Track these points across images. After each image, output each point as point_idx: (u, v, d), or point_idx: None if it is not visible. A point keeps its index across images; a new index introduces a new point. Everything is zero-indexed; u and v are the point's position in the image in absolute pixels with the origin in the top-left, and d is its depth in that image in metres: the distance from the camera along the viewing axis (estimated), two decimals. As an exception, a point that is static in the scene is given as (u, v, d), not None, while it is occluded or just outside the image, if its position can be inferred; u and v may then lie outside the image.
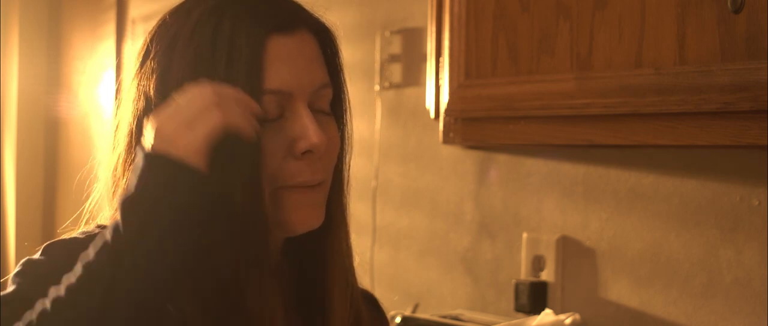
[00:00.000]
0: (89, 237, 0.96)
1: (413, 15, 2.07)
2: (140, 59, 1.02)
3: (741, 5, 1.24)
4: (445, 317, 1.85)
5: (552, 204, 1.79)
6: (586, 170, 1.73)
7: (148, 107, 0.98)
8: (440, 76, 1.75)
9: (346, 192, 1.08)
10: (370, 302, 1.19)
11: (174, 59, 0.98)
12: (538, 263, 1.80)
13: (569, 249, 1.76)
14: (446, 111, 1.71)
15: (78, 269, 0.87)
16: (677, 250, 1.59)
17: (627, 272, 1.67)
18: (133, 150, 1.00)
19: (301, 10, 1.03)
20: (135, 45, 1.04)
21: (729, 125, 1.28)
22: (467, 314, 1.88)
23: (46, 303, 0.87)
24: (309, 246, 1.06)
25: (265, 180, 0.96)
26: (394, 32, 2.11)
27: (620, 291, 1.68)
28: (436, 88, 1.79)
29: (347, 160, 1.08)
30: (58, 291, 0.87)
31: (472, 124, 1.68)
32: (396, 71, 2.12)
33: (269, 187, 0.97)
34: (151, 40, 1.02)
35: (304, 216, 1.00)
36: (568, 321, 1.66)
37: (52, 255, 0.98)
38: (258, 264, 1.04)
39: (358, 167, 2.12)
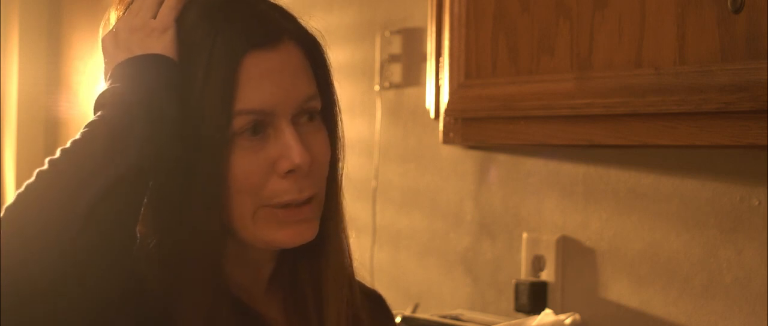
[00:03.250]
0: None
1: (413, 15, 2.07)
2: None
3: (741, 5, 1.24)
4: (445, 317, 1.85)
5: (552, 204, 1.79)
6: (586, 170, 1.73)
7: None
8: (440, 76, 1.75)
9: (340, 201, 1.05)
10: (376, 301, 1.18)
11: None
12: (538, 263, 1.80)
13: (569, 249, 1.76)
14: (446, 111, 1.71)
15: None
16: (677, 250, 1.59)
17: (627, 272, 1.67)
18: None
19: (286, 20, 0.99)
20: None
21: (729, 125, 1.28)
22: (467, 314, 1.88)
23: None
24: (305, 257, 1.05)
25: (246, 198, 0.95)
26: (394, 32, 2.11)
27: (620, 291, 1.68)
28: (436, 88, 1.79)
29: (340, 168, 1.05)
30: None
31: (472, 124, 1.68)
32: (396, 71, 2.12)
33: (253, 206, 0.95)
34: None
35: (292, 233, 0.97)
36: (568, 321, 1.66)
37: None
38: (257, 270, 1.04)
39: (358, 167, 2.12)
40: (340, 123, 1.05)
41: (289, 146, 0.95)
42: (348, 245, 1.08)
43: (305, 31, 1.01)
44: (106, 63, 0.96)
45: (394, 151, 2.14)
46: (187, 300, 0.94)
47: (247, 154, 0.94)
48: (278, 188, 0.95)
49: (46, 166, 0.86)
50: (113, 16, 1.01)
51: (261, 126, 0.95)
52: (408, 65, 2.09)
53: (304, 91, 0.97)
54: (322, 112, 1.01)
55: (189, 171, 0.93)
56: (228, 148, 0.93)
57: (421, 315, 1.90)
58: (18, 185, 3.70)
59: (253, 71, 0.94)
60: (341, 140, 1.05)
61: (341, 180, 1.06)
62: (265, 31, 0.96)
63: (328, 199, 1.02)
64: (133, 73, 0.92)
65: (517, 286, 1.80)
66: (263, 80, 0.94)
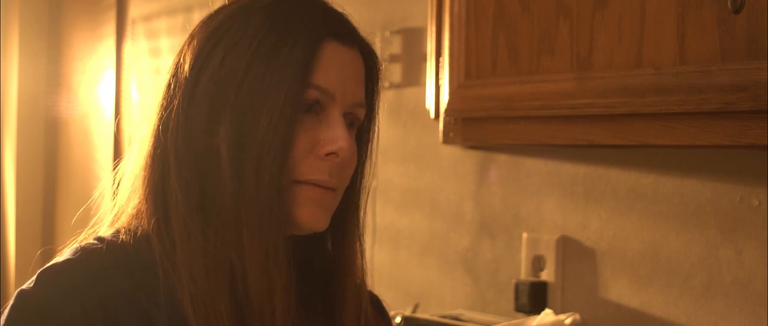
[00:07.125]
0: (83, 256, 0.97)
1: (413, 15, 2.07)
2: (191, 59, 1.02)
3: (741, 5, 1.24)
4: (445, 317, 1.85)
5: (552, 204, 1.79)
6: (586, 170, 1.73)
7: (189, 102, 1.00)
8: (440, 76, 1.75)
9: (359, 214, 1.10)
10: (374, 303, 1.19)
11: (230, 55, 1.00)
12: (538, 263, 1.80)
13: (569, 249, 1.76)
14: (446, 111, 1.71)
15: None
16: (677, 250, 1.59)
17: (627, 272, 1.67)
18: (158, 143, 1.01)
19: (357, 33, 1.07)
20: (189, 47, 1.03)
21: (729, 125, 1.28)
22: (467, 314, 1.88)
23: None
24: (323, 254, 1.09)
25: (283, 170, 0.98)
26: (394, 32, 2.11)
27: (620, 291, 1.68)
28: (436, 88, 1.79)
29: (365, 184, 1.10)
30: None
31: (472, 124, 1.68)
32: (396, 71, 2.12)
33: (285, 179, 0.98)
34: (204, 39, 1.02)
35: (310, 213, 1.00)
36: (568, 321, 1.66)
37: (45, 289, 0.96)
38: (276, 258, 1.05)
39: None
40: (375, 142, 1.11)
41: (337, 132, 1.00)
42: (363, 256, 1.11)
43: (371, 48, 1.08)
44: None
45: (394, 150, 2.14)
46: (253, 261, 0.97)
47: (297, 128, 0.99)
48: (313, 166, 1.00)
49: None
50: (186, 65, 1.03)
51: (318, 107, 1.01)
52: (408, 65, 2.09)
53: (359, 95, 1.05)
54: (361, 128, 1.08)
55: (260, 141, 0.97)
56: (298, 115, 0.99)
57: (421, 315, 1.90)
58: (18, 185, 3.71)
59: (329, 56, 1.01)
60: (371, 159, 1.10)
61: (366, 197, 1.10)
62: (345, 29, 1.05)
63: (351, 199, 1.07)
64: None
65: (517, 286, 1.80)
66: (335, 66, 1.02)
